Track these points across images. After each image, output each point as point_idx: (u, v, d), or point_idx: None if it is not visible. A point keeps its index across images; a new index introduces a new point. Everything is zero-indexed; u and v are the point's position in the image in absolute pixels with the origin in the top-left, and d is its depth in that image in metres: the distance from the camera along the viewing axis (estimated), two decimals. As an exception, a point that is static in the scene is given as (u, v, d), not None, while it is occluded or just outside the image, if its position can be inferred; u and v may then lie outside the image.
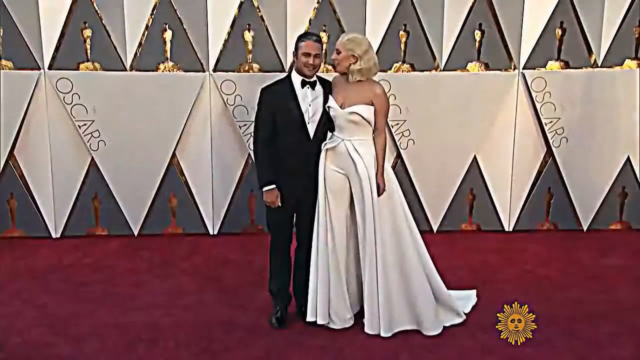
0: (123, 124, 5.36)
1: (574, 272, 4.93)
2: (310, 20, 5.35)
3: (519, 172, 5.69)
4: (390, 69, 5.43)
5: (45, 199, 5.50)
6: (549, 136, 5.61)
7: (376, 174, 3.84)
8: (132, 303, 4.37)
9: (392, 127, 5.49)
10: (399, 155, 5.60)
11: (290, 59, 5.34)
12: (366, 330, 3.97)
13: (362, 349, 3.81)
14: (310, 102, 3.89)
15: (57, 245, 5.42)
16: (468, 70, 5.47)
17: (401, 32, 5.41)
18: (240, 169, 5.60)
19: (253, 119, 4.07)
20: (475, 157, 5.65)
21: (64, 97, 5.28)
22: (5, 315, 4.17)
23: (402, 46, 5.43)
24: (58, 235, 5.57)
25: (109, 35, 5.27)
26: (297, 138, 3.91)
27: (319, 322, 4.00)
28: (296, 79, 3.89)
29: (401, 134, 5.52)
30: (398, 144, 5.55)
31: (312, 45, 3.82)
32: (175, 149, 5.46)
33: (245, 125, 5.38)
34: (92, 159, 5.44)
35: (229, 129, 5.47)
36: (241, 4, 5.28)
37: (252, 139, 4.07)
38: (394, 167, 5.47)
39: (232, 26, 5.32)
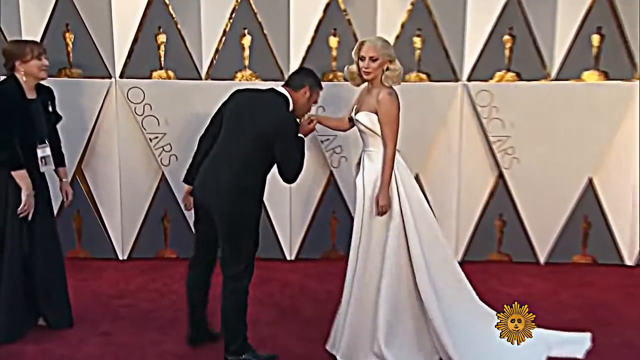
0: (193, 138, 5.27)
1: None
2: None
3: (644, 197, 5.38)
4: (491, 78, 5.27)
5: (112, 217, 5.49)
6: (684, 154, 5.26)
7: (379, 193, 3.69)
8: (202, 333, 4.23)
9: (494, 143, 5.31)
10: (500, 175, 5.41)
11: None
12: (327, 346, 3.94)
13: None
14: None
15: (123, 268, 5.40)
16: (584, 80, 5.25)
17: (505, 36, 5.23)
18: (321, 188, 5.48)
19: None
20: (590, 180, 5.41)
21: (135, 108, 5.26)
22: (68, 343, 4.12)
23: (507, 52, 5.25)
24: (125, 257, 5.56)
25: (184, 41, 5.24)
26: None
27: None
28: None
29: (504, 151, 5.32)
30: (500, 162, 5.34)
31: None
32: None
33: (328, 140, 5.28)
34: (163, 174, 5.42)
35: (310, 143, 5.26)
36: (327, 6, 5.19)
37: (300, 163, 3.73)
38: (494, 189, 5.38)
39: (316, 30, 5.22)
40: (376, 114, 3.70)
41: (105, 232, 5.53)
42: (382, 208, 3.68)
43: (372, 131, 3.74)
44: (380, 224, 3.73)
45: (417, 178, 5.36)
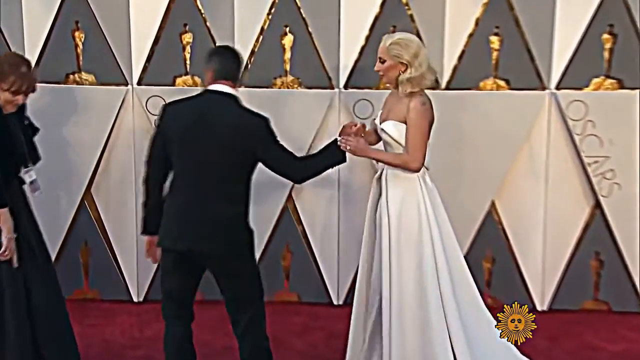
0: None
1: None
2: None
3: None
4: (587, 86, 4.87)
5: (126, 251, 5.19)
6: None
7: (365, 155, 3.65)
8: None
9: (589, 165, 4.87)
10: (597, 205, 4.94)
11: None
12: None
13: None
14: None
15: (138, 312, 5.16)
16: (701, 89, 4.76)
17: (604, 35, 4.80)
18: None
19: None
20: None
21: (155, 121, 4.83)
22: (72, 404, 3.87)
23: (606, 54, 4.84)
24: (140, 299, 5.28)
25: (214, 42, 4.93)
26: None
27: None
28: None
29: (601, 175, 4.89)
30: (597, 189, 4.89)
31: None
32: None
33: (384, 160, 4.80)
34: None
35: (359, 165, 4.89)
36: (383, 2, 4.84)
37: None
38: (589, 222, 4.97)
39: (372, 28, 4.84)
40: (405, 124, 3.60)
41: (118, 269, 5.24)
42: (349, 145, 3.56)
43: (399, 144, 3.64)
44: (412, 265, 3.62)
45: (492, 206, 5.01)
